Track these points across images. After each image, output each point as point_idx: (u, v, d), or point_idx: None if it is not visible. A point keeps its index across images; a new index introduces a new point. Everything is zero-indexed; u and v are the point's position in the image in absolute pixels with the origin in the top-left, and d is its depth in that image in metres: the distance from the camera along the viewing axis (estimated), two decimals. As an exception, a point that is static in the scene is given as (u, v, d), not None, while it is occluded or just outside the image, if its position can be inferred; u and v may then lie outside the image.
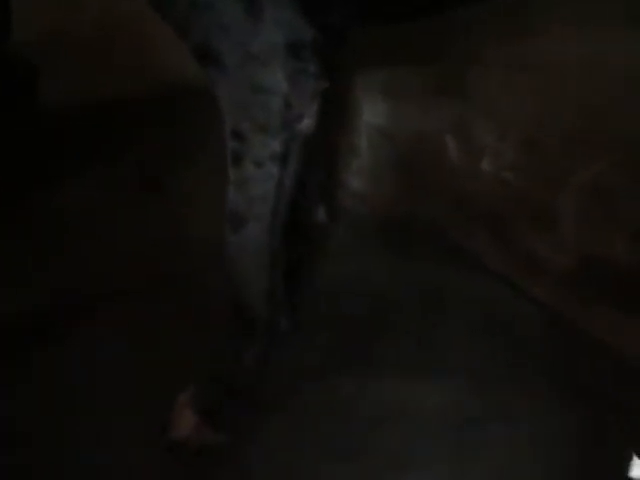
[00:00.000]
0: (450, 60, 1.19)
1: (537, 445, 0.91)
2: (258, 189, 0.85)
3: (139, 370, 0.98)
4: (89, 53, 1.67)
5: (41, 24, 1.67)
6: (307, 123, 0.82)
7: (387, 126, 1.33)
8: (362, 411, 0.95)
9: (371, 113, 1.36)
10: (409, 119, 1.29)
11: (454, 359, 1.00)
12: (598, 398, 0.96)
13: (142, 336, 1.03)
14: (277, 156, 0.82)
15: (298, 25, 0.80)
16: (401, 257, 1.23)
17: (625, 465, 0.91)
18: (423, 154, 1.27)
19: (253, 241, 0.89)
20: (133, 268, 1.17)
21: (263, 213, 0.86)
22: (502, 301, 1.14)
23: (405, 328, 1.06)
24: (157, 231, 1.25)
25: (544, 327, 1.09)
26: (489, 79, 1.13)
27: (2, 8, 1.42)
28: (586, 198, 1.07)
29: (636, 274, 1.06)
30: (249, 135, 0.83)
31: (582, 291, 1.12)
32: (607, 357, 1.03)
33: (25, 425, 0.93)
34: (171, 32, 0.84)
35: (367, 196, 1.41)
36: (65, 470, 0.87)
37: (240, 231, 0.87)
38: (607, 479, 0.91)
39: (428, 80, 1.24)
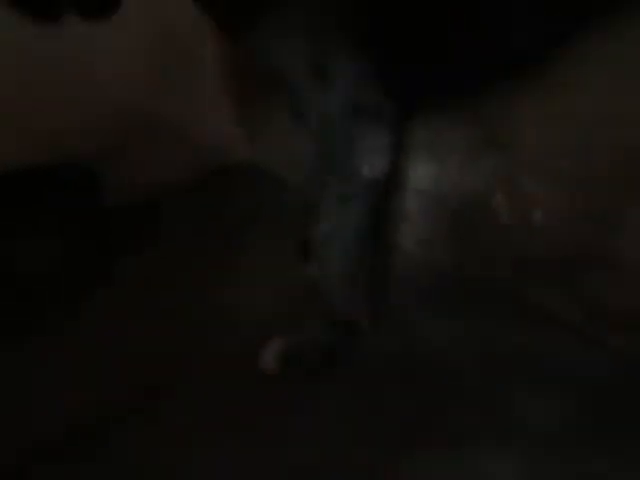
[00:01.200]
0: (491, 117, 1.20)
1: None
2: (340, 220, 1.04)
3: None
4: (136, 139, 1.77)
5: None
6: (376, 173, 1.00)
7: (434, 189, 1.35)
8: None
9: (417, 176, 1.38)
10: (455, 180, 1.30)
11: (530, 423, 0.97)
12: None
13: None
14: (349, 198, 1.01)
15: (365, 90, 0.90)
16: (461, 318, 1.23)
17: None
18: (475, 214, 1.28)
19: (339, 262, 1.08)
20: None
21: (343, 239, 1.05)
22: (573, 353, 1.12)
23: (472, 393, 1.06)
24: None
25: (621, 377, 1.06)
26: (531, 133, 1.14)
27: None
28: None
29: None
30: (327, 180, 1.01)
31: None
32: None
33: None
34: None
35: (422, 260, 1.43)
36: None
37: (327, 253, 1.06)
38: None
39: (471, 139, 1.26)
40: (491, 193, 1.23)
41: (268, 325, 1.20)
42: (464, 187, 1.29)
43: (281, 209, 1.68)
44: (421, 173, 1.36)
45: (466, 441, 0.97)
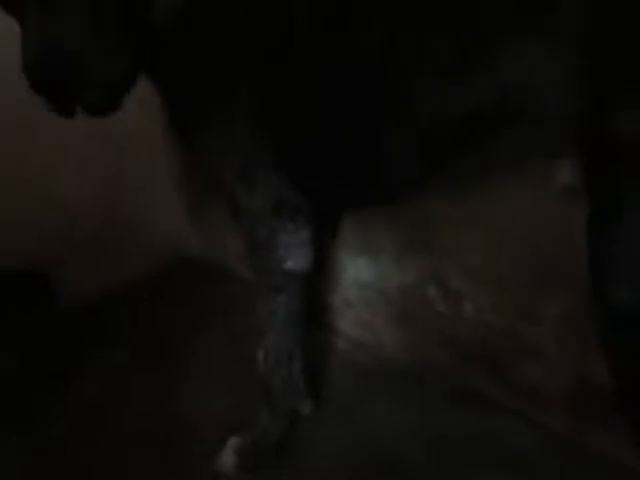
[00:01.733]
0: (418, 218, 1.31)
1: None
2: (269, 308, 1.14)
3: None
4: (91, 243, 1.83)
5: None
6: (298, 265, 1.09)
7: (372, 280, 1.46)
8: None
9: (356, 269, 1.49)
10: (391, 273, 1.41)
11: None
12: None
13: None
14: (279, 288, 1.10)
15: (284, 192, 1.05)
16: (405, 403, 1.32)
17: None
18: (412, 303, 1.38)
19: (275, 345, 1.16)
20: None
21: (277, 325, 1.14)
22: (508, 431, 1.22)
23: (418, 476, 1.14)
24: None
25: (549, 450, 1.16)
26: (453, 233, 1.25)
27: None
28: (561, 327, 1.16)
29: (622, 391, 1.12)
30: (259, 272, 1.11)
31: (579, 410, 1.19)
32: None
33: None
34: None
35: (367, 345, 1.52)
36: None
37: (264, 338, 1.16)
38: None
39: (398, 237, 1.37)
40: (425, 285, 1.34)
41: (223, 424, 1.26)
42: (400, 279, 1.40)
43: (230, 301, 1.77)
44: (359, 266, 1.47)
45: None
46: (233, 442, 1.20)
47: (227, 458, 1.19)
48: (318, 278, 1.27)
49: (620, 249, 0.76)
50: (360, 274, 1.48)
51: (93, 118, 0.90)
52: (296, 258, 1.09)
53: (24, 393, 1.45)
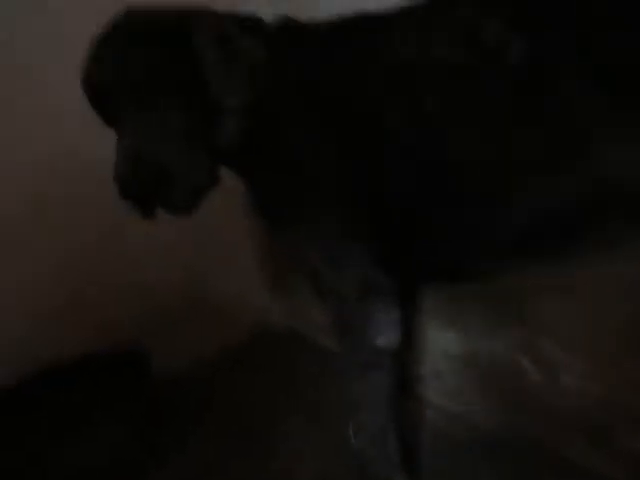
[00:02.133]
0: (509, 287, 1.29)
1: None
2: (361, 384, 1.13)
3: None
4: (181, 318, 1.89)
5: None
6: (388, 341, 1.08)
7: (461, 351, 1.44)
8: None
9: (445, 340, 1.47)
10: (480, 344, 1.38)
11: None
12: None
13: None
14: (371, 364, 1.09)
15: (374, 272, 1.06)
16: (501, 475, 1.28)
17: None
18: (503, 373, 1.35)
19: (369, 421, 1.14)
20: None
21: (371, 400, 1.12)
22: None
23: None
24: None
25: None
26: (547, 302, 1.23)
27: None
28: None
29: None
30: (349, 349, 1.11)
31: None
32: None
33: None
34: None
35: (460, 416, 1.48)
36: None
37: (357, 414, 1.15)
38: None
39: (491, 306, 1.35)
40: (517, 356, 1.30)
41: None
42: (490, 350, 1.37)
43: (314, 373, 1.77)
44: (448, 337, 1.45)
45: None
46: None
47: None
48: (408, 351, 1.25)
49: None
50: (449, 345, 1.46)
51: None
52: (387, 335, 1.09)
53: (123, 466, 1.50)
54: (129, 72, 1.01)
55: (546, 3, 0.89)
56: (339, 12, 1.08)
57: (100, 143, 1.15)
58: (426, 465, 1.34)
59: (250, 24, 1.10)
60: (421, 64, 0.96)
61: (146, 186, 0.99)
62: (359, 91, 1.00)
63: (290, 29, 1.11)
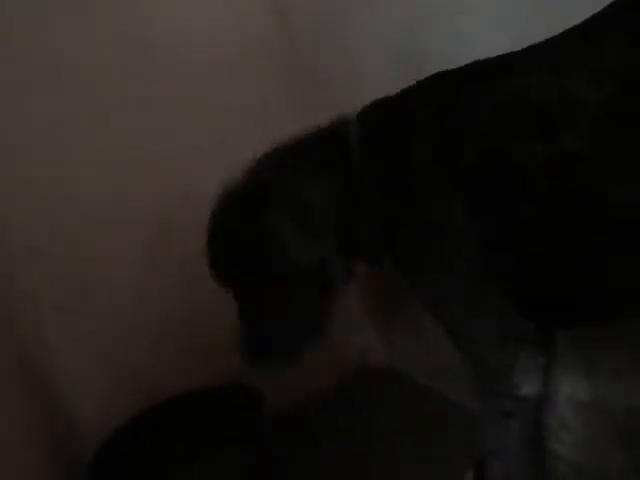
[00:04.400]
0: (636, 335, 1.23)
1: None
2: (498, 433, 1.09)
3: None
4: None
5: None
6: (533, 390, 1.05)
7: (592, 400, 1.36)
8: None
9: (571, 388, 1.40)
10: (613, 392, 1.31)
11: None
12: None
13: None
14: (511, 413, 1.05)
15: (513, 317, 1.04)
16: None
17: None
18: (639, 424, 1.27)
19: (503, 472, 1.11)
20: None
21: (507, 450, 1.08)
22: None
23: None
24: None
25: None
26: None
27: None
28: None
29: None
30: (486, 396, 1.09)
31: None
32: None
33: None
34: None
35: (590, 469, 1.41)
36: None
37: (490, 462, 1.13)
38: None
39: (620, 355, 1.28)
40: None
41: None
42: (625, 398, 1.30)
43: (423, 419, 1.73)
44: (575, 385, 1.39)
45: None
46: None
47: None
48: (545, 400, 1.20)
49: None
50: (576, 393, 1.39)
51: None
52: (533, 383, 1.05)
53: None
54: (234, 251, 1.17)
55: None
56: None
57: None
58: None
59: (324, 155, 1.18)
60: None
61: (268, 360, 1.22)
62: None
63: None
